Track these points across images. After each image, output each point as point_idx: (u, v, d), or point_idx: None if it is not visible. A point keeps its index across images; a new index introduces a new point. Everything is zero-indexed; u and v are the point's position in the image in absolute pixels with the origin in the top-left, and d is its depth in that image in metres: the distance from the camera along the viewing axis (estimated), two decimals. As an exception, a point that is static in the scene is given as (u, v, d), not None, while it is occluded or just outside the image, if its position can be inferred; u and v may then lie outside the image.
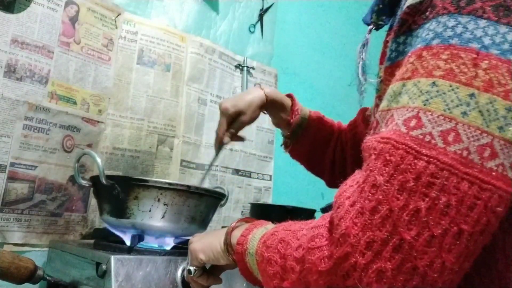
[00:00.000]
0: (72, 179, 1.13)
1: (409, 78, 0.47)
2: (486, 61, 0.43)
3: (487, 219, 0.42)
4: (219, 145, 0.95)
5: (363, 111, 0.96)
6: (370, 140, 0.48)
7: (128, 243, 0.94)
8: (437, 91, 0.44)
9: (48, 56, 1.11)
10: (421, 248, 0.41)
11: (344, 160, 1.00)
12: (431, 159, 0.42)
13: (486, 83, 0.43)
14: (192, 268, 0.74)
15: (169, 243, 0.99)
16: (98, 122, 1.21)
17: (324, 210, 1.28)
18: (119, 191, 0.90)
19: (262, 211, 1.44)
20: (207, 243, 0.72)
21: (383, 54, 0.59)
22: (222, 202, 1.07)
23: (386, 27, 0.64)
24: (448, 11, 0.46)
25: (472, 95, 0.43)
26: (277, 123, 1.03)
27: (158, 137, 1.34)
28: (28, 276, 0.86)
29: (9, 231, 1.03)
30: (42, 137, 1.08)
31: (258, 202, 1.62)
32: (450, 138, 0.43)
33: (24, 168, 1.05)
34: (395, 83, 0.49)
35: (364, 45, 0.69)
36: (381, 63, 0.61)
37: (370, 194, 0.44)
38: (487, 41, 0.44)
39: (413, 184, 0.42)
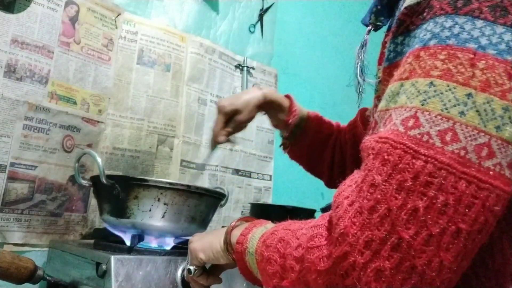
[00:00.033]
0: (72, 179, 1.13)
1: (407, 78, 0.47)
2: (483, 61, 0.44)
3: (484, 218, 0.42)
4: (215, 143, 0.96)
5: (362, 111, 0.96)
6: (368, 140, 0.48)
7: (128, 243, 0.94)
8: (435, 91, 0.44)
9: (48, 56, 1.11)
10: (420, 247, 0.41)
11: (343, 161, 1.00)
12: (429, 159, 0.42)
13: (483, 83, 0.43)
14: (192, 268, 0.74)
15: (169, 243, 1.00)
16: (98, 122, 1.21)
17: (324, 210, 1.28)
18: (119, 191, 0.90)
19: (262, 211, 1.44)
20: (207, 243, 0.72)
21: (382, 55, 0.60)
22: (222, 202, 1.07)
23: (384, 28, 0.64)
24: (445, 11, 0.47)
25: (469, 95, 0.43)
26: (275, 124, 1.03)
27: (158, 137, 1.34)
28: (28, 276, 0.86)
29: (9, 231, 1.03)
30: (42, 137, 1.09)
31: (258, 202, 1.62)
32: (448, 137, 0.43)
33: (24, 168, 1.05)
34: (393, 83, 0.49)
35: (363, 46, 0.69)
36: (379, 63, 0.61)
37: (369, 194, 0.44)
38: (484, 41, 0.44)
39: (411, 183, 0.42)
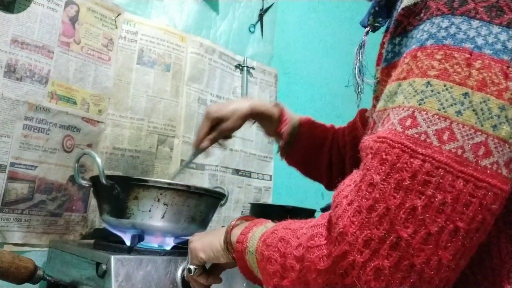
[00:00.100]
0: (72, 179, 1.13)
1: (404, 78, 0.48)
2: (479, 61, 0.44)
3: (482, 216, 0.42)
4: (197, 148, 0.97)
5: (362, 112, 0.96)
6: (367, 140, 0.48)
7: (128, 243, 0.94)
8: (432, 91, 0.45)
9: (48, 56, 1.11)
10: (418, 245, 0.42)
11: (342, 162, 1.00)
12: (427, 158, 0.43)
13: (479, 82, 0.44)
14: (192, 267, 0.74)
15: (169, 243, 1.00)
16: (98, 122, 1.21)
17: (324, 210, 1.28)
18: (119, 191, 0.90)
19: (262, 211, 1.44)
20: (207, 242, 0.72)
21: (380, 55, 0.60)
22: (222, 202, 1.07)
23: (383, 29, 0.65)
24: (442, 12, 0.47)
25: (466, 94, 0.44)
26: (267, 134, 1.04)
27: (158, 137, 1.35)
28: (28, 276, 0.86)
29: (9, 231, 1.03)
30: (42, 137, 1.09)
31: (258, 202, 1.62)
32: (445, 136, 0.43)
33: (24, 168, 1.06)
34: (391, 84, 0.50)
35: (361, 46, 0.70)
36: (377, 64, 0.61)
37: (367, 193, 0.44)
38: (480, 41, 0.45)
39: (409, 182, 0.43)
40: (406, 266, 0.42)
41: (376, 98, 0.60)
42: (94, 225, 1.19)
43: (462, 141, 0.43)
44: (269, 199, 1.68)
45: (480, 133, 0.43)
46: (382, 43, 0.60)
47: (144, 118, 1.32)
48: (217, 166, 1.51)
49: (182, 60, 1.43)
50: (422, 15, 0.49)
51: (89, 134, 1.19)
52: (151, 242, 0.98)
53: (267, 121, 1.00)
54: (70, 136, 1.15)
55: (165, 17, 1.41)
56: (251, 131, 1.62)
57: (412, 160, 0.43)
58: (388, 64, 0.56)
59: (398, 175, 0.43)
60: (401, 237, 0.42)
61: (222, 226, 0.89)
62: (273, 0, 1.74)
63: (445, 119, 0.43)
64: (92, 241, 1.01)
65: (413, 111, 0.45)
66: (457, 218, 0.42)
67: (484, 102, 0.43)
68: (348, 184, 0.49)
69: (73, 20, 1.17)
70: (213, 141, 0.97)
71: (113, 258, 0.81)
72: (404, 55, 0.50)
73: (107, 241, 0.96)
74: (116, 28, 1.27)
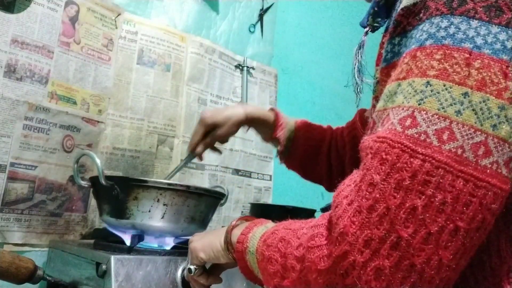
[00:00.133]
0: (72, 179, 1.13)
1: (404, 78, 0.48)
2: (479, 61, 0.44)
3: (482, 216, 0.42)
4: (191, 153, 0.97)
5: (361, 112, 0.96)
6: (366, 140, 0.48)
7: (128, 243, 0.94)
8: (431, 91, 0.45)
9: (48, 56, 1.11)
10: (418, 245, 0.42)
11: (342, 163, 1.00)
12: (427, 158, 0.43)
13: (479, 82, 0.44)
14: (192, 267, 0.74)
15: (169, 243, 1.00)
16: (98, 122, 1.21)
17: (324, 210, 1.29)
18: (118, 192, 0.90)
19: (262, 211, 1.44)
20: (207, 242, 0.72)
21: (379, 55, 0.60)
22: (222, 202, 1.07)
23: (382, 29, 0.65)
24: (441, 12, 0.47)
25: (465, 94, 0.44)
26: (264, 139, 1.05)
27: (158, 137, 1.35)
28: (28, 276, 0.86)
29: (9, 231, 1.03)
30: (42, 137, 1.09)
31: (258, 202, 1.62)
32: (445, 136, 0.43)
33: (24, 168, 1.06)
34: (390, 84, 0.50)
35: (360, 47, 0.70)
36: (377, 64, 0.61)
37: (367, 193, 0.44)
38: (479, 41, 0.45)
39: (409, 182, 0.43)
40: (406, 266, 0.42)
41: (376, 98, 0.60)
42: (94, 225, 1.19)
43: (462, 140, 0.43)
44: (269, 199, 1.68)
45: (479, 132, 0.43)
46: (382, 43, 0.60)
47: (144, 118, 1.32)
48: (217, 166, 1.51)
49: (182, 60, 1.43)
50: (421, 15, 0.50)
51: (89, 134, 1.19)
52: (151, 242, 0.98)
53: (263, 126, 1.00)
54: (70, 136, 1.15)
55: (165, 17, 1.41)
56: (251, 131, 1.62)
57: (412, 160, 0.43)
58: (387, 64, 0.56)
59: (398, 175, 0.43)
60: (401, 237, 0.42)
61: (222, 226, 0.89)
62: (273, 0, 1.74)
63: (445, 119, 0.44)
64: (92, 241, 1.00)
65: (413, 111, 0.45)
66: (457, 218, 0.42)
67: (484, 101, 0.43)
68: (348, 184, 0.49)
69: (73, 20, 1.17)
70: (207, 146, 0.97)
71: (113, 258, 0.81)
72: (404, 55, 0.50)
73: (107, 241, 0.96)
74: (116, 28, 1.27)
